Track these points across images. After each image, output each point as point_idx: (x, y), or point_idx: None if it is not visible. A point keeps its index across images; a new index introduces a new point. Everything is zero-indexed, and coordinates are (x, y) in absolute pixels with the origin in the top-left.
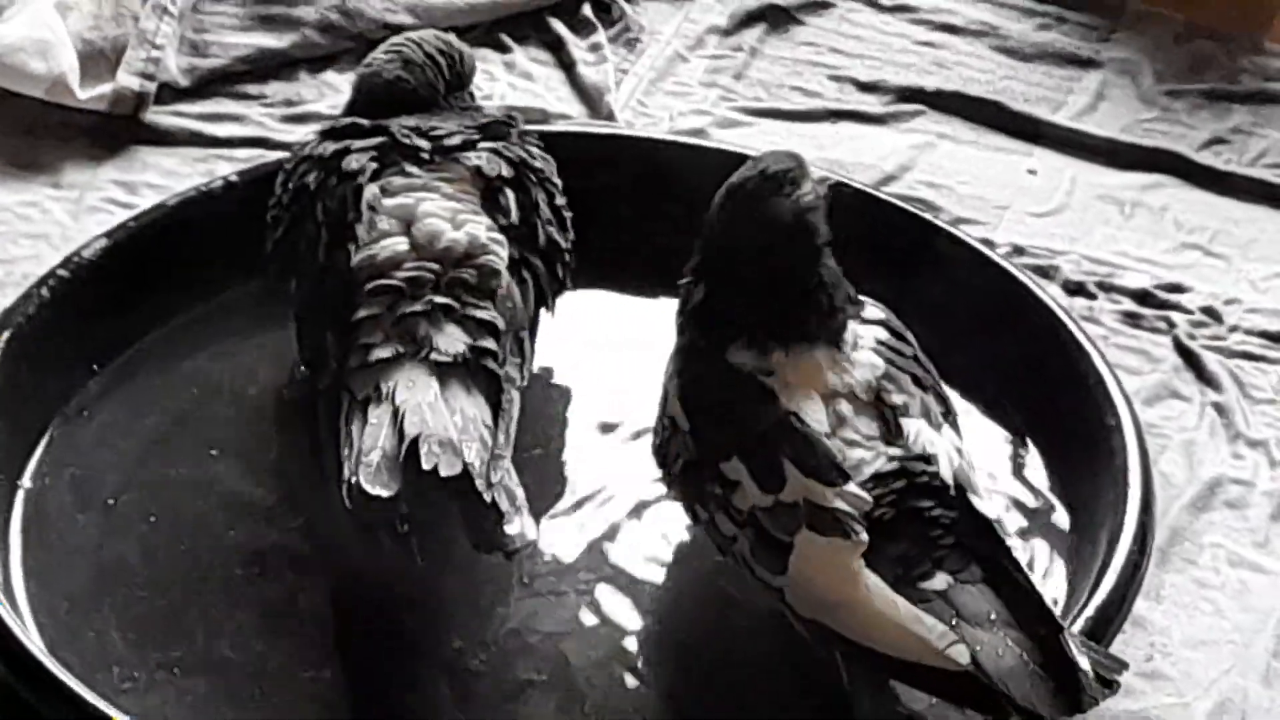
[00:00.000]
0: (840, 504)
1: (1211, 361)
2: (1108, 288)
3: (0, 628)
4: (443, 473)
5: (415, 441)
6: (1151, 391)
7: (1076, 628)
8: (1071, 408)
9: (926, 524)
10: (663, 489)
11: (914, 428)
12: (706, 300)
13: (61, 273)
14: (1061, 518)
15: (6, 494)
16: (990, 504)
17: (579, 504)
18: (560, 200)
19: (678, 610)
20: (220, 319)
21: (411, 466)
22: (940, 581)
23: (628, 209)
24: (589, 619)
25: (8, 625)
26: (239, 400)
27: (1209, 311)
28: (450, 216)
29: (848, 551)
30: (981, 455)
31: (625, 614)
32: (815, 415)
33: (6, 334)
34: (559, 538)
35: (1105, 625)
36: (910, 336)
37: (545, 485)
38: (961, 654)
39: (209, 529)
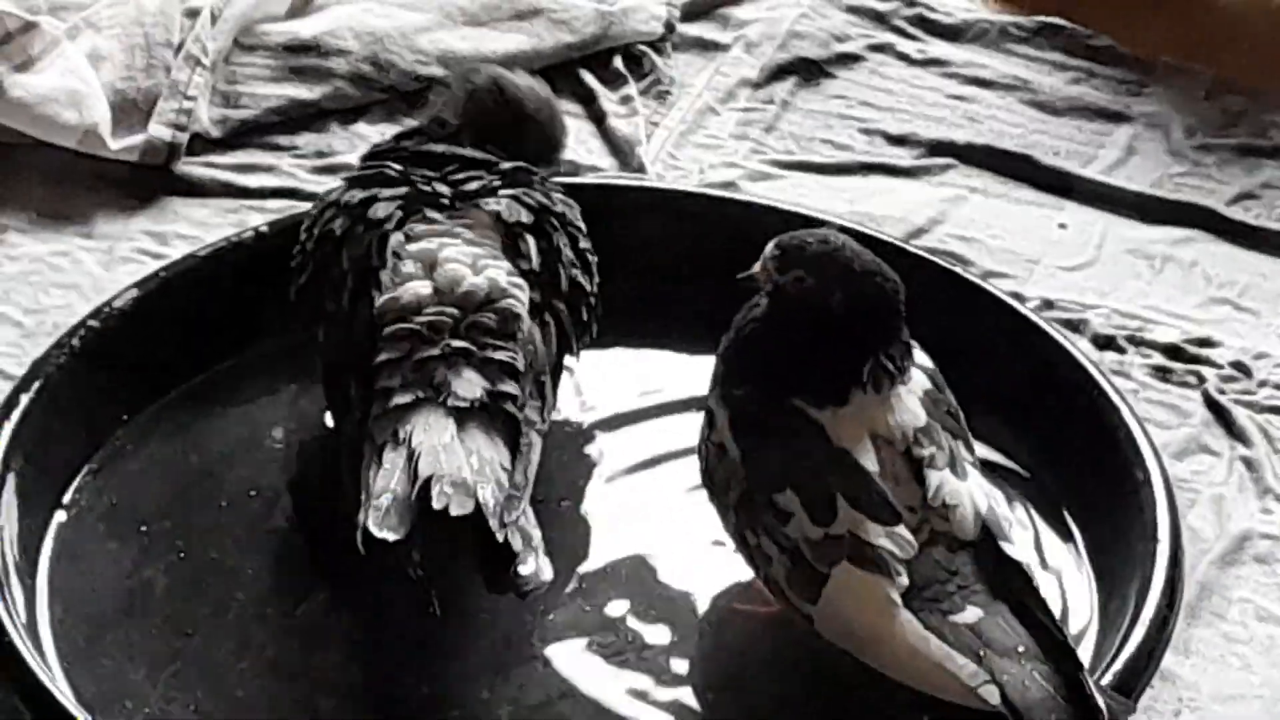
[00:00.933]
0: (887, 543)
1: (1241, 416)
2: (1138, 342)
3: (16, 658)
4: (453, 512)
5: (428, 483)
6: (1181, 446)
7: (1105, 681)
8: (1100, 462)
9: (954, 572)
10: (694, 541)
11: (936, 481)
12: (774, 350)
13: (92, 323)
14: (1090, 572)
15: (35, 541)
16: (1019, 548)
17: (607, 556)
18: (585, 244)
19: (709, 666)
20: (252, 369)
21: (424, 508)
22: (970, 615)
23: (658, 262)
24: (617, 673)
25: (24, 656)
26: (269, 450)
27: (1239, 366)
28: (471, 262)
29: (885, 587)
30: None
31: (653, 668)
32: (866, 456)
33: (37, 384)
34: (587, 589)
35: (1134, 679)
36: (946, 389)
37: (572, 537)
38: (992, 694)
39: (234, 571)
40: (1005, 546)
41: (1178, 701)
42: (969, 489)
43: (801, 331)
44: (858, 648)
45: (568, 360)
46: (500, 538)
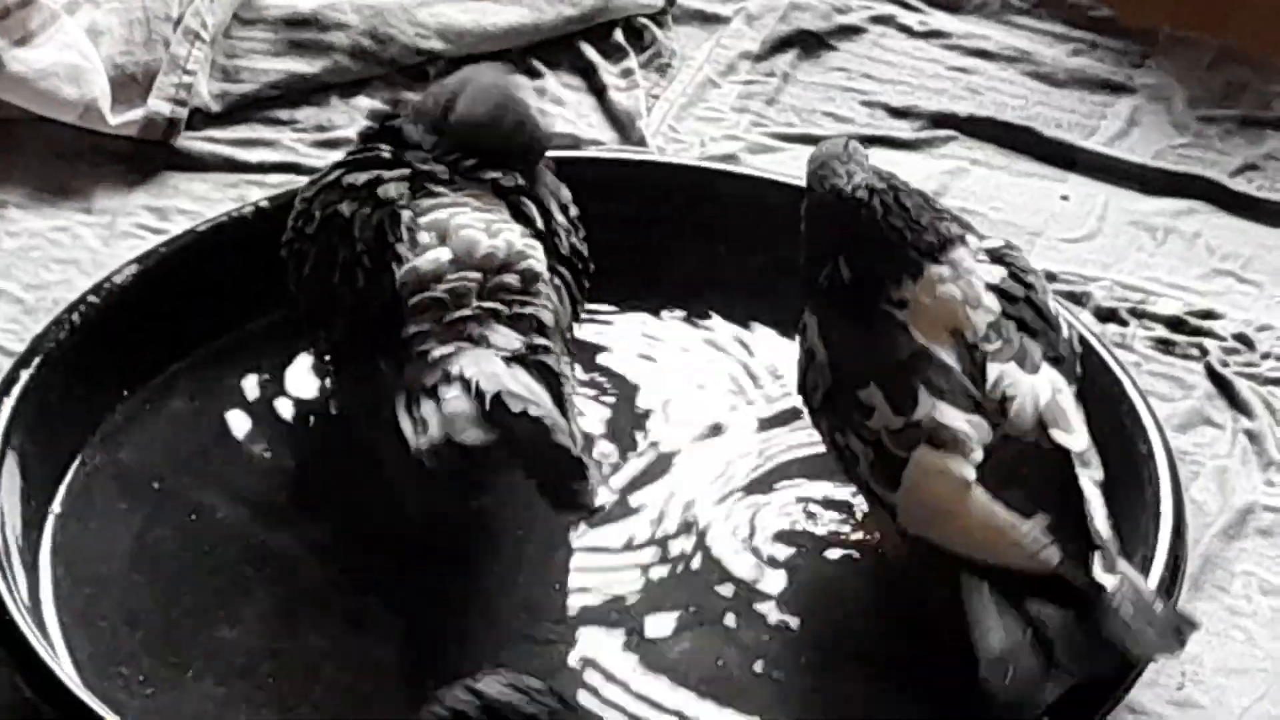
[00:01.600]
0: (964, 425)
1: (1244, 388)
2: (1140, 314)
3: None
4: (532, 413)
5: (498, 396)
6: (1184, 418)
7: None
8: (1104, 434)
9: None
10: (719, 518)
11: (996, 373)
12: (848, 271)
13: (92, 299)
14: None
15: (38, 516)
16: (1077, 439)
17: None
18: (574, 211)
19: (719, 653)
20: (252, 343)
21: (496, 420)
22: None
23: (659, 235)
24: (625, 656)
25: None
26: (271, 423)
27: (1241, 338)
28: (485, 226)
29: (959, 463)
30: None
31: (659, 649)
32: (946, 352)
33: (37, 359)
34: (606, 565)
35: None
36: (1032, 275)
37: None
38: (1052, 556)
39: (235, 542)
40: (1056, 434)
41: (1181, 675)
42: (1033, 383)
43: (843, 222)
44: (936, 529)
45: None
46: (572, 447)
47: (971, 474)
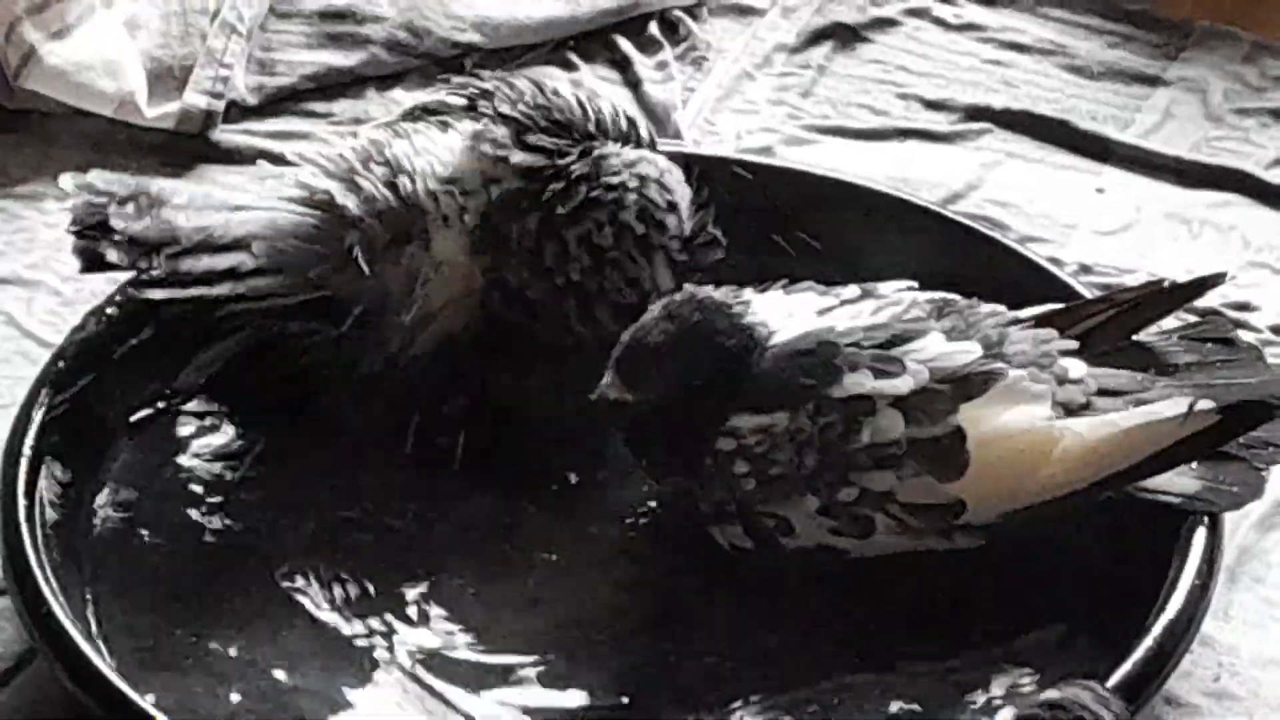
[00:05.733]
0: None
1: None
2: None
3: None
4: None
5: None
6: None
7: (1144, 646)
8: None
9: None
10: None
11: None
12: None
13: (130, 291)
14: (1128, 535)
15: (72, 515)
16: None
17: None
18: (603, 236)
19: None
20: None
21: None
22: (1078, 368)
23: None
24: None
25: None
26: (317, 404)
27: (1277, 330)
28: (394, 163)
29: (1025, 409)
30: None
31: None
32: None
33: (73, 350)
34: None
35: (1173, 644)
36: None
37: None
38: (1207, 403)
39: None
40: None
41: (1217, 666)
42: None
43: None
44: (1025, 494)
45: None
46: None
47: (1049, 411)
